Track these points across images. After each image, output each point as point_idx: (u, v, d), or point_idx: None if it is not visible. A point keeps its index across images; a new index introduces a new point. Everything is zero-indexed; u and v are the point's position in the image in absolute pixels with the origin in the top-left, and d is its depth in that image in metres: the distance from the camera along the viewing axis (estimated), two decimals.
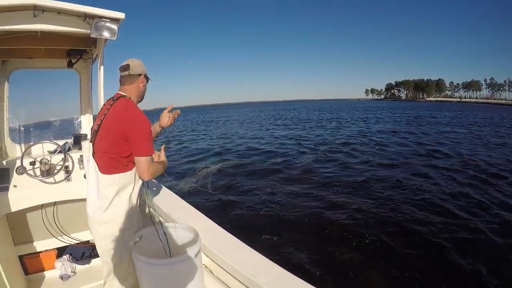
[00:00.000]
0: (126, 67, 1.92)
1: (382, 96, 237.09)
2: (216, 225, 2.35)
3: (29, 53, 2.87)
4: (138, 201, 1.96)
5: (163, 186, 3.02)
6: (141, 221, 2.04)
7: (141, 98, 2.02)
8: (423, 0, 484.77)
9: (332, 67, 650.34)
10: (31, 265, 2.83)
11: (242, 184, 7.73)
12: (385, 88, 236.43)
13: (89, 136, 2.75)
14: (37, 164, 2.70)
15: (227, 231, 2.25)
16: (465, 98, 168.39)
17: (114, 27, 2.23)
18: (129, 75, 1.91)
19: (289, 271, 1.75)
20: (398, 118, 32.98)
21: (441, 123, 25.80)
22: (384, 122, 27.62)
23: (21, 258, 2.79)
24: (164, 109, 2.22)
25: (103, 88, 2.71)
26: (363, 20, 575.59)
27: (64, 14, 2.18)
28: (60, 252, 3.01)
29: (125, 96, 1.90)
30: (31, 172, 2.66)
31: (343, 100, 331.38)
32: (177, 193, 3.07)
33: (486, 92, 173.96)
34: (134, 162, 1.82)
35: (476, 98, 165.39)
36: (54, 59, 3.04)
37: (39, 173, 2.72)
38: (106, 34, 2.24)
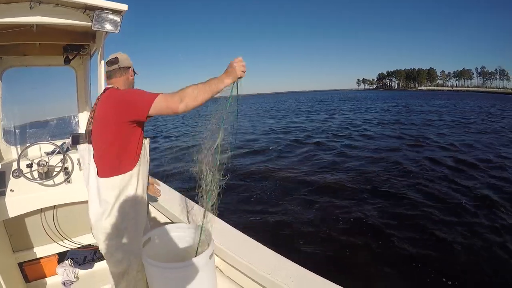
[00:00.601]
0: (114, 61, 1.85)
1: (374, 86, 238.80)
2: (225, 223, 2.23)
3: (23, 49, 2.69)
4: (145, 201, 1.83)
5: (168, 186, 2.90)
6: (148, 223, 1.93)
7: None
8: None
9: (323, 58, 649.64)
10: (31, 272, 2.71)
11: (233, 180, 7.33)
12: (377, 78, 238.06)
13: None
14: (35, 167, 2.55)
15: (237, 229, 2.15)
16: (456, 86, 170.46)
17: (117, 19, 2.10)
18: (119, 68, 1.86)
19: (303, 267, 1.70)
20: (386, 107, 33.27)
21: (429, 111, 26.16)
22: (373, 112, 27.86)
23: (20, 265, 2.68)
24: None
25: (104, 84, 2.53)
26: (353, 9, 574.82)
27: (63, 6, 2.05)
28: (61, 257, 2.89)
29: (113, 86, 1.81)
30: (28, 175, 2.53)
31: (335, 90, 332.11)
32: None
33: (477, 81, 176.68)
34: (135, 158, 1.69)
35: (468, 86, 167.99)
36: (50, 56, 2.86)
37: (37, 176, 2.58)
38: (108, 26, 2.10)
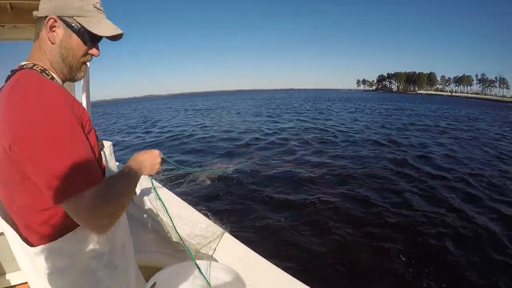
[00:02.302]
0: None
1: (374, 87, 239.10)
2: (254, 253, 1.79)
3: None
4: (131, 245, 1.19)
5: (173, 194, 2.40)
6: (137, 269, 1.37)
7: (65, 68, 0.94)
8: None
9: (324, 57, 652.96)
10: None
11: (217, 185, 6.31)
12: (377, 80, 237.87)
13: None
14: None
15: (269, 261, 1.71)
16: (455, 92, 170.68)
17: None
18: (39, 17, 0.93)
19: None
20: (378, 109, 33.03)
21: (420, 114, 26.06)
22: (362, 113, 27.80)
23: None
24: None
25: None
26: (356, 10, 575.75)
27: None
28: None
29: (26, 66, 0.89)
30: None
31: (334, 90, 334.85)
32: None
33: (477, 88, 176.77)
34: None
35: (467, 93, 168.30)
36: (27, 26, 2.16)
37: None
38: None
